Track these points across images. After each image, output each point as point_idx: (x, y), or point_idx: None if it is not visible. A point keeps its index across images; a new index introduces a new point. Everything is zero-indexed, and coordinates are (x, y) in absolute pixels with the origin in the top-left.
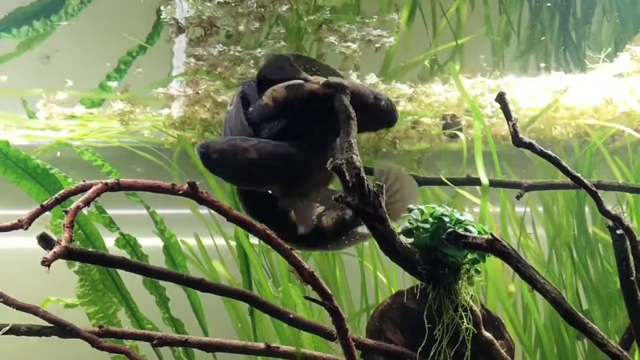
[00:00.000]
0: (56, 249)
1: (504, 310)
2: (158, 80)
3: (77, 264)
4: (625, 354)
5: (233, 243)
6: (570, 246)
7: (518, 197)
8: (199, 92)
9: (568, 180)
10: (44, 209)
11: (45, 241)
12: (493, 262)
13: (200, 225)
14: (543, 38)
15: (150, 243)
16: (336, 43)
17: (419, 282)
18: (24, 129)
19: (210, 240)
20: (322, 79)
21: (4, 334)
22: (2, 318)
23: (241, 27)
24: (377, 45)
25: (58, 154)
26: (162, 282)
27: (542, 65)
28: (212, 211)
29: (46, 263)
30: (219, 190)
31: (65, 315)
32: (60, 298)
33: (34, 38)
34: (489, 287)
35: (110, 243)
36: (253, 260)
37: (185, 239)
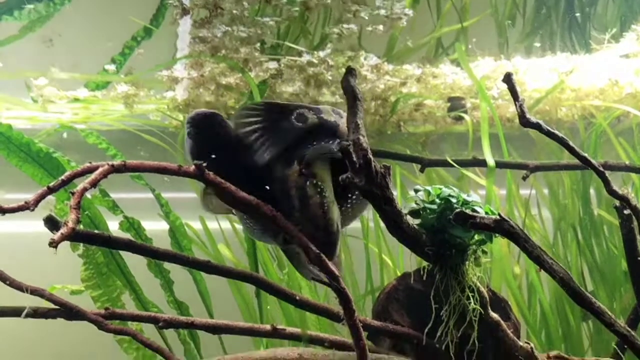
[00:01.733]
0: (63, 230)
1: (510, 291)
2: (162, 63)
3: (81, 247)
4: (633, 333)
5: (238, 226)
6: (575, 228)
7: (524, 178)
8: (204, 74)
9: (574, 162)
10: (50, 190)
11: (51, 223)
12: (498, 244)
13: None
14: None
15: (154, 227)
16: (358, 16)
17: (424, 264)
18: (27, 111)
19: (215, 224)
20: None
21: (8, 316)
22: (8, 302)
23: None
24: (400, 21)
25: (65, 134)
26: (166, 265)
27: (547, 45)
28: None
29: (53, 244)
30: None
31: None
32: (66, 285)
33: (36, 20)
34: (494, 268)
35: (114, 227)
36: (259, 242)
37: (190, 222)
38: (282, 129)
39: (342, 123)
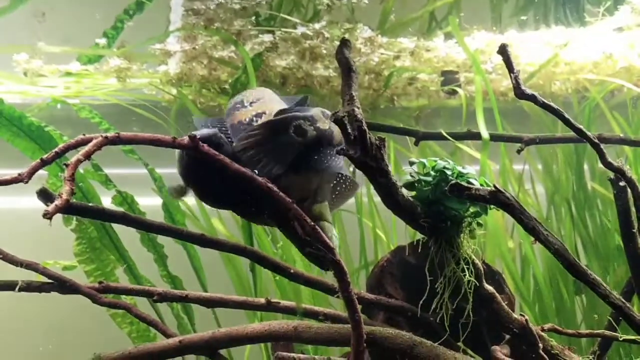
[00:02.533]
0: (57, 202)
1: (504, 264)
2: (155, 36)
3: (74, 221)
4: (628, 304)
5: None
6: (569, 202)
7: (519, 151)
8: (196, 47)
9: (568, 134)
10: (44, 162)
11: (45, 196)
12: (493, 218)
13: None
14: None
15: (147, 202)
16: None
17: (418, 238)
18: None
19: None
20: None
21: (1, 290)
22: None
23: None
24: None
25: (58, 106)
26: (160, 240)
27: (541, 18)
28: None
29: (48, 216)
30: None
31: None
32: (58, 261)
33: None
34: (488, 242)
35: (106, 202)
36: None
37: (184, 198)
38: (283, 148)
39: (334, 127)
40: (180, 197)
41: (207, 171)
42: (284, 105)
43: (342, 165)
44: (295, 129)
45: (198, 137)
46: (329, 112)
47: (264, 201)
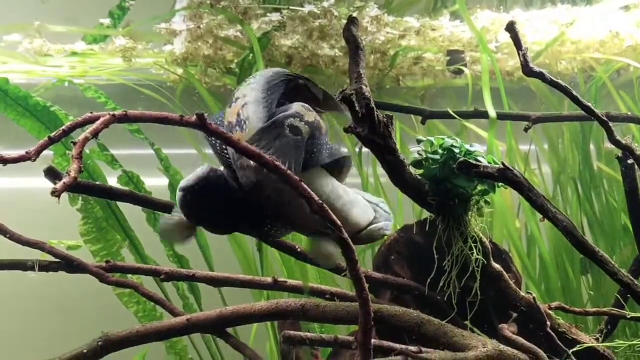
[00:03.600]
0: (65, 179)
1: (511, 243)
2: (160, 15)
3: (80, 201)
4: (635, 282)
5: None
6: (575, 181)
7: (526, 130)
8: (201, 26)
9: (575, 113)
10: (51, 140)
11: (52, 174)
12: (500, 196)
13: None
14: None
15: (153, 183)
16: None
17: (424, 217)
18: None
19: None
20: None
21: (9, 269)
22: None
23: None
24: None
25: (66, 83)
26: None
27: None
28: None
29: (56, 194)
30: None
31: None
32: (62, 240)
33: None
34: (495, 221)
35: (112, 183)
36: None
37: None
38: (286, 151)
39: (317, 116)
40: (182, 240)
41: (215, 202)
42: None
43: (339, 147)
44: (290, 129)
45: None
46: (306, 104)
47: (275, 212)
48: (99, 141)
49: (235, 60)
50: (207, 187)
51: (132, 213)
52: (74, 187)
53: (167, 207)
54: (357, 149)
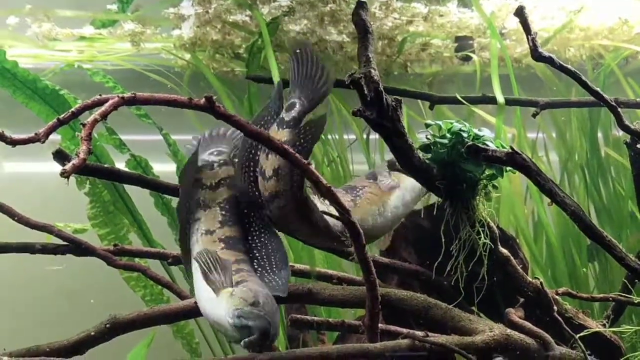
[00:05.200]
0: (75, 161)
1: (518, 230)
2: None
3: (88, 185)
4: None
5: None
6: (582, 169)
7: (534, 115)
8: (209, 11)
9: (584, 99)
10: (60, 122)
11: (61, 156)
12: (507, 180)
13: None
14: None
15: (161, 169)
16: None
17: (431, 202)
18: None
19: None
20: None
21: (17, 252)
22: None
23: None
24: None
25: (76, 65)
26: (174, 204)
27: None
28: None
29: (65, 175)
30: (233, 110)
31: None
32: (68, 224)
33: None
34: (502, 207)
35: (120, 167)
36: None
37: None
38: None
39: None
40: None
41: None
42: None
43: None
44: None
45: None
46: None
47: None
48: (107, 125)
49: (244, 46)
50: None
51: (139, 197)
52: (83, 170)
53: (176, 191)
54: (364, 135)
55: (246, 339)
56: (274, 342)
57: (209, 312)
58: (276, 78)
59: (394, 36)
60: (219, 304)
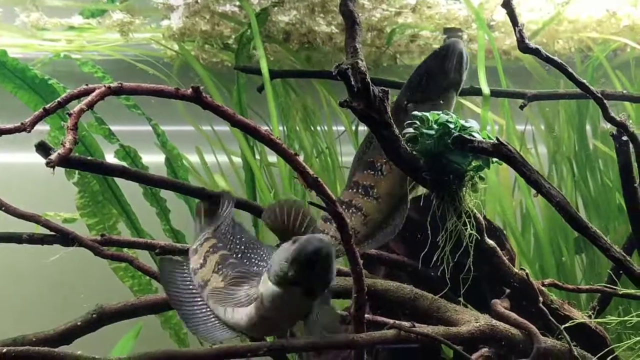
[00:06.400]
0: (61, 150)
1: (506, 222)
2: None
3: (76, 175)
4: (628, 258)
5: (235, 158)
6: (570, 161)
7: (522, 107)
8: (198, 1)
9: (572, 91)
10: (46, 112)
11: (43, 149)
12: (495, 175)
13: (203, 141)
14: None
15: (150, 159)
16: None
17: (419, 194)
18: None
19: (212, 157)
20: None
21: (4, 242)
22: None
23: None
24: None
25: (62, 54)
26: (162, 194)
27: None
28: (214, 128)
29: (51, 164)
30: (222, 101)
31: None
32: (58, 213)
33: None
34: (489, 200)
35: (110, 157)
36: (257, 172)
37: (186, 154)
38: None
39: None
40: None
41: None
42: None
43: None
44: None
45: None
46: None
47: None
48: (96, 115)
49: (233, 37)
50: None
51: (128, 187)
52: (67, 162)
53: (161, 183)
54: (353, 127)
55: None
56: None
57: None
58: (265, 69)
59: (382, 27)
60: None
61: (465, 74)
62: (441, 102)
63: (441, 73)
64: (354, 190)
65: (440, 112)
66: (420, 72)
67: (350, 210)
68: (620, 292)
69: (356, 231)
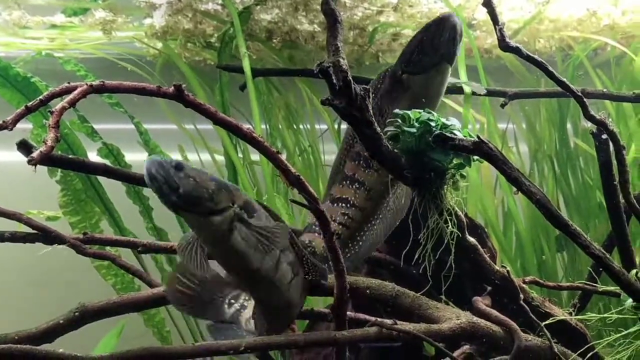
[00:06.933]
0: (42, 148)
1: (487, 220)
2: None
3: (59, 173)
4: (608, 255)
5: (218, 157)
6: (552, 159)
7: (503, 105)
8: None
9: (552, 89)
10: (28, 110)
11: (25, 147)
12: (475, 173)
13: (185, 139)
14: None
15: (133, 157)
16: None
17: None
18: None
19: (195, 156)
20: None
21: None
22: None
23: None
24: None
25: (43, 53)
26: (145, 192)
27: None
28: (197, 126)
29: (32, 162)
30: (205, 99)
31: None
32: (41, 211)
33: None
34: (471, 198)
35: (93, 155)
36: (240, 170)
37: (170, 153)
38: None
39: None
40: None
41: None
42: None
43: None
44: None
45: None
46: None
47: None
48: (79, 113)
49: (216, 35)
50: None
51: (111, 186)
52: (49, 161)
53: (144, 181)
54: (336, 125)
55: None
56: None
57: None
58: (247, 67)
59: (365, 26)
60: None
61: (459, 46)
62: (435, 74)
63: (433, 46)
64: (356, 162)
65: (422, 110)
66: (413, 44)
67: (354, 186)
68: (600, 290)
69: (362, 208)
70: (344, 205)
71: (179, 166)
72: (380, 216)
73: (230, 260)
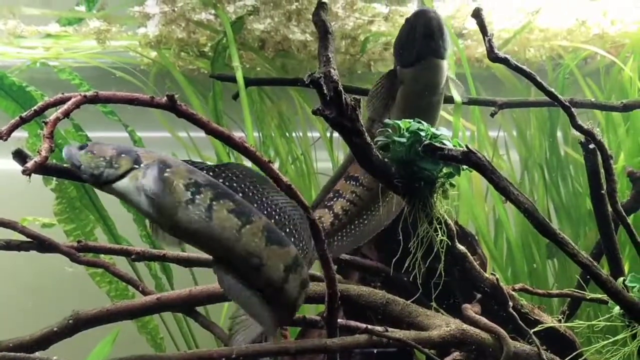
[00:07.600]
0: (37, 158)
1: (478, 228)
2: None
3: (54, 181)
4: (595, 263)
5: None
6: (542, 167)
7: (493, 115)
8: (175, 9)
9: (542, 99)
10: (23, 120)
11: (20, 157)
12: (465, 182)
13: (179, 147)
14: None
15: None
16: None
17: None
18: None
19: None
20: None
21: None
22: None
23: None
24: None
25: (38, 64)
26: None
27: None
28: (191, 134)
29: (27, 172)
30: (199, 108)
31: None
32: (37, 218)
33: None
34: (462, 206)
35: None
36: None
37: None
38: None
39: None
40: None
41: None
42: None
43: None
44: None
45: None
46: None
47: None
48: (74, 121)
49: (209, 44)
50: None
51: (105, 194)
52: (44, 170)
53: None
54: (328, 133)
55: None
56: None
57: None
58: (240, 77)
59: (356, 35)
60: None
61: (444, 38)
62: (422, 68)
63: (409, 42)
64: None
65: (412, 120)
66: (397, 38)
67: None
68: (588, 297)
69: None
70: (354, 183)
71: (82, 146)
72: (387, 199)
73: (166, 222)
